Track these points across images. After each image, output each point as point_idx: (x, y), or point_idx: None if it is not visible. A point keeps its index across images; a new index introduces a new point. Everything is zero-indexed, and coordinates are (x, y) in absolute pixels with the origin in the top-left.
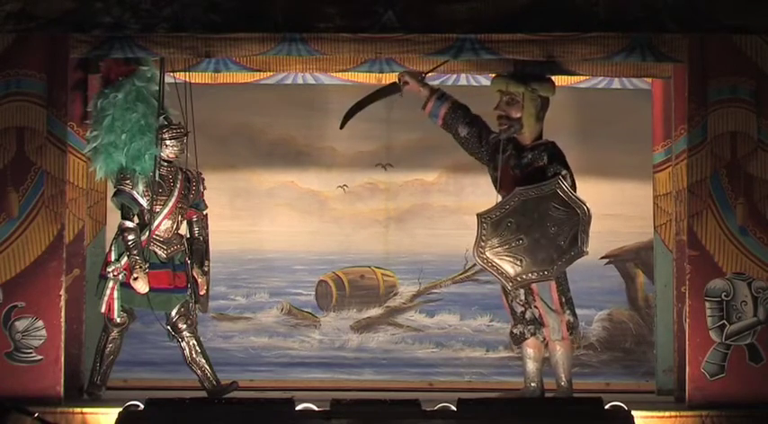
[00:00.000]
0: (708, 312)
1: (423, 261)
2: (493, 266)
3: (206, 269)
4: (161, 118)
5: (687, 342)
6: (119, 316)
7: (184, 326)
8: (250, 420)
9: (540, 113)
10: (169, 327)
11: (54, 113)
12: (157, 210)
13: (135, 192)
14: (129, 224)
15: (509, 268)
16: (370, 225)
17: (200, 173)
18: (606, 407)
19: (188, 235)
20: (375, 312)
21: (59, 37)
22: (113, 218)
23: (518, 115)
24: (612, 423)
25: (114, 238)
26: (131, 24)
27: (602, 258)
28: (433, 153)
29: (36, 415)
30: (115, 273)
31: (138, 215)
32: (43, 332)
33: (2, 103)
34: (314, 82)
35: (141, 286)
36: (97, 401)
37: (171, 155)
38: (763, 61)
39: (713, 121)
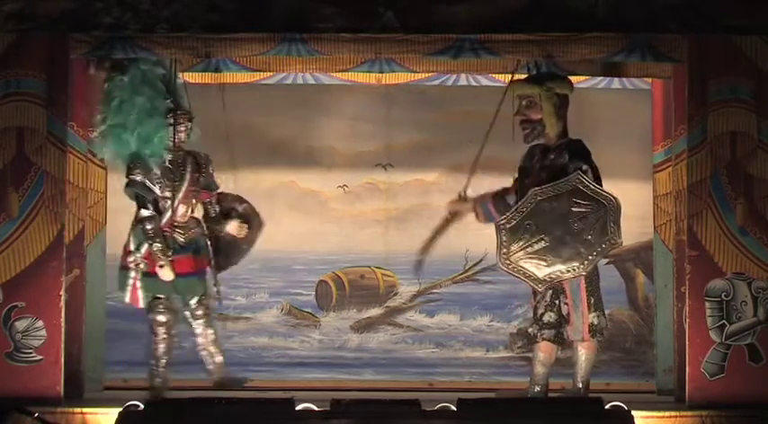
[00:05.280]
0: (708, 312)
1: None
2: (519, 271)
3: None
4: (167, 102)
5: (687, 342)
6: (151, 308)
7: (201, 313)
8: (250, 420)
9: (560, 111)
10: (187, 313)
11: (54, 113)
12: (172, 196)
13: (147, 180)
14: (146, 213)
15: (535, 270)
16: (370, 225)
17: (207, 155)
18: (606, 407)
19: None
20: (375, 312)
21: (59, 37)
22: (113, 218)
23: (539, 117)
24: (612, 423)
25: (132, 228)
26: (131, 24)
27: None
28: (433, 153)
29: (36, 415)
30: (136, 263)
31: (152, 202)
32: (43, 332)
33: (2, 103)
34: (314, 82)
35: (167, 273)
36: (97, 401)
37: (179, 141)
38: (763, 61)
39: (713, 121)
